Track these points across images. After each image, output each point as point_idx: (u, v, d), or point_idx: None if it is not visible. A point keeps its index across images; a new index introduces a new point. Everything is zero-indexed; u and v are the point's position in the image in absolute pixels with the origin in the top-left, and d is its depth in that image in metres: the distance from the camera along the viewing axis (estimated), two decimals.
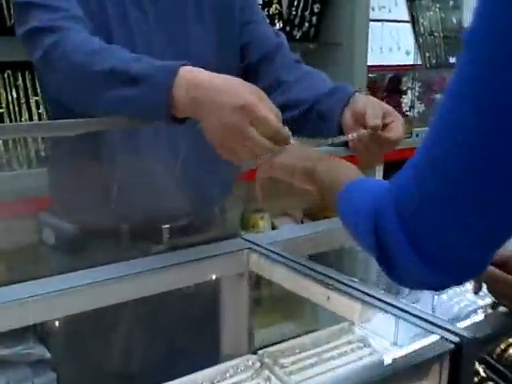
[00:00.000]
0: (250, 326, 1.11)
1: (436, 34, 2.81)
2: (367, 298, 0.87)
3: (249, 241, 1.09)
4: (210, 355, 1.09)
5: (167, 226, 1.18)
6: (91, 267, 0.98)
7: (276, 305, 2.22)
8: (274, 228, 2.42)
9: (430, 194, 0.61)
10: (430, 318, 0.82)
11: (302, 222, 2.51)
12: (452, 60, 2.82)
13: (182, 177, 1.15)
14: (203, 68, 0.91)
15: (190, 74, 0.89)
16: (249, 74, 1.20)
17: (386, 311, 0.84)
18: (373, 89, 2.59)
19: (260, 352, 1.12)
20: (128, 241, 1.18)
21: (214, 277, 1.03)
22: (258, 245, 1.07)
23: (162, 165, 1.16)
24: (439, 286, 0.70)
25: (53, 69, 0.99)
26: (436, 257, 0.63)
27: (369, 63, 2.37)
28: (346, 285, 0.90)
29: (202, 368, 1.05)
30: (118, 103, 0.93)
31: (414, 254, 0.63)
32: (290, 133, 0.90)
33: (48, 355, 1.73)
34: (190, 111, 0.89)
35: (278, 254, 1.02)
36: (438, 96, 2.91)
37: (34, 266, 1.56)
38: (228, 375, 1.05)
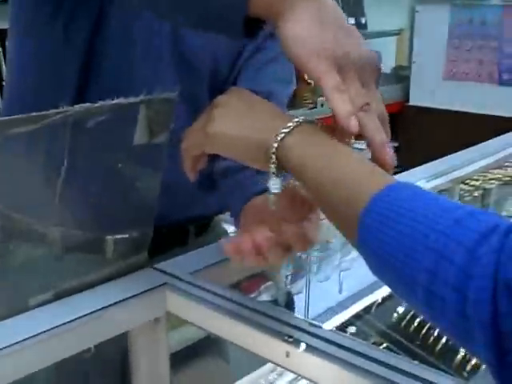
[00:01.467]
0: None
1: None
2: (343, 355, 0.60)
3: (164, 271, 0.79)
4: None
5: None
6: None
7: None
8: None
9: None
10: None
11: None
12: None
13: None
14: None
15: None
16: None
17: (370, 373, 0.58)
18: None
19: None
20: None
21: (120, 331, 0.73)
22: (176, 277, 0.77)
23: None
24: None
25: None
26: None
27: None
28: (312, 335, 0.63)
29: None
30: None
31: None
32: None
33: None
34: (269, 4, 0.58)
35: (206, 290, 0.73)
36: None
37: None
38: None
